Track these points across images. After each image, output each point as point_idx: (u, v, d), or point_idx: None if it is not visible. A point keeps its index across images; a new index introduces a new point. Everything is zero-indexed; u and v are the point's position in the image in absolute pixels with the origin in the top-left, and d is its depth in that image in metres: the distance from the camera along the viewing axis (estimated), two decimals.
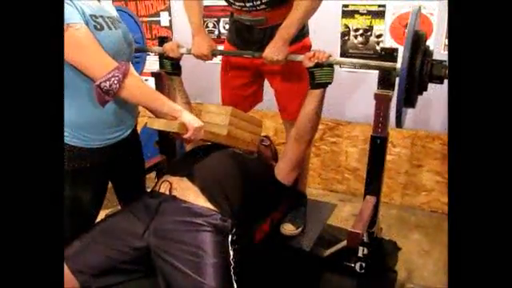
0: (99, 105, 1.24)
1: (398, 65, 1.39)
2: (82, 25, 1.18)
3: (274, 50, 1.59)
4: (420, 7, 1.47)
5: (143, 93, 1.30)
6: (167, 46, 1.75)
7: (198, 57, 1.78)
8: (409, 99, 1.43)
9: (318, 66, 1.52)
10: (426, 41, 1.44)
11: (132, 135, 1.51)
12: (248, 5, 1.63)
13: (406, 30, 1.36)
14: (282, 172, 1.67)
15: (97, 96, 1.21)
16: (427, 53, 1.42)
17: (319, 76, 1.54)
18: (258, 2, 1.61)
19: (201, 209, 1.37)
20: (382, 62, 1.49)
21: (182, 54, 1.77)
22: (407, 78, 1.34)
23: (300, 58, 1.57)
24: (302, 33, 1.74)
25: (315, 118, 1.61)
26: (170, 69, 1.77)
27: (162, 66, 1.82)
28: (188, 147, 1.79)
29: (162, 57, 1.78)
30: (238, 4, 1.66)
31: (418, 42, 1.38)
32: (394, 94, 1.45)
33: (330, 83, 1.57)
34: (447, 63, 1.40)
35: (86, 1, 1.25)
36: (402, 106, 1.40)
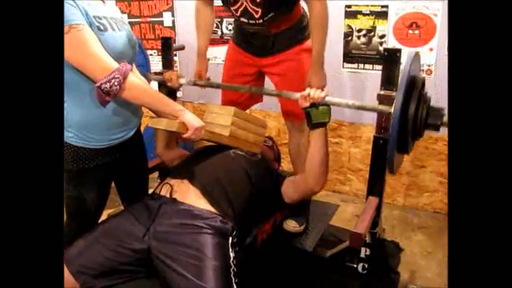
0: (100, 105, 1.24)
1: (393, 109, 1.35)
2: (84, 26, 1.18)
3: (317, 78, 1.61)
4: (417, 53, 1.45)
5: (144, 93, 1.31)
6: (167, 74, 1.75)
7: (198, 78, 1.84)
8: (402, 145, 1.39)
9: (313, 105, 1.49)
10: (423, 86, 1.41)
11: (136, 136, 1.52)
12: (251, 22, 1.67)
13: (401, 75, 1.33)
14: (291, 198, 1.65)
15: (98, 97, 1.22)
16: (423, 99, 1.39)
17: (315, 116, 1.50)
18: (261, 21, 1.65)
19: (201, 211, 1.37)
20: (378, 105, 1.49)
21: (181, 85, 1.77)
22: (399, 124, 1.31)
23: (296, 96, 1.55)
24: (304, 36, 1.75)
25: (325, 159, 1.56)
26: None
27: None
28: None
29: (160, 84, 1.79)
30: (242, 19, 1.70)
31: (412, 88, 1.35)
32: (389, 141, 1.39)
33: (327, 122, 1.53)
34: (446, 111, 1.35)
35: (89, 1, 1.26)
36: (393, 152, 1.37)
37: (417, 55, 1.44)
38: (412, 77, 1.36)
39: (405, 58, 1.36)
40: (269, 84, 1.98)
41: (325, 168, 1.57)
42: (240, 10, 1.65)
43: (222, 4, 1.72)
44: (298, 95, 1.54)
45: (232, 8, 1.68)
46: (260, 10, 1.61)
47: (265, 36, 1.76)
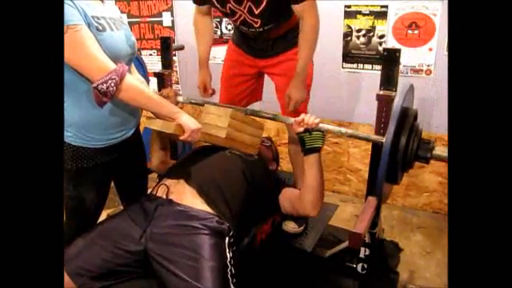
0: (97, 105, 1.24)
1: (385, 139, 1.38)
2: (81, 26, 1.18)
3: (298, 92, 1.68)
4: (412, 86, 1.46)
5: (141, 95, 1.30)
6: (165, 92, 1.76)
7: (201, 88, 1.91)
8: (391, 176, 1.41)
9: (307, 130, 1.50)
10: (415, 118, 1.43)
11: (134, 135, 1.51)
12: (251, 30, 1.69)
13: (394, 107, 1.35)
14: (286, 212, 1.65)
15: (95, 97, 1.22)
16: (414, 131, 1.40)
17: (309, 141, 1.51)
18: (261, 30, 1.67)
19: (197, 212, 1.36)
20: (371, 135, 1.51)
21: (178, 103, 1.78)
22: (390, 155, 1.33)
23: (290, 120, 1.57)
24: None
25: (321, 185, 1.55)
26: None
27: None
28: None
29: None
30: (241, 28, 1.72)
31: (404, 120, 1.37)
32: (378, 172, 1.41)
33: (320, 148, 1.53)
34: (433, 144, 1.41)
35: (88, 2, 1.26)
36: (382, 183, 1.39)
37: (411, 87, 1.47)
38: (405, 109, 1.39)
39: (401, 87, 1.40)
40: (266, 90, 1.98)
41: (321, 194, 1.57)
42: (239, 20, 1.66)
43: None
44: (292, 120, 1.56)
45: (231, 19, 1.69)
46: (259, 21, 1.63)
47: (265, 40, 1.78)
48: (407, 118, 1.39)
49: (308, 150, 1.53)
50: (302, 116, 1.51)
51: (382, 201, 1.48)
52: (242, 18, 1.65)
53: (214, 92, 1.96)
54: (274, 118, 1.72)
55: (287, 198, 1.63)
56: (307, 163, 1.54)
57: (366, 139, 1.54)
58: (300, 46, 1.66)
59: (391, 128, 1.33)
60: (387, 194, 1.57)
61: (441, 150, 1.39)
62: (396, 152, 1.36)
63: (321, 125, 1.51)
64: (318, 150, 1.52)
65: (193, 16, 1.86)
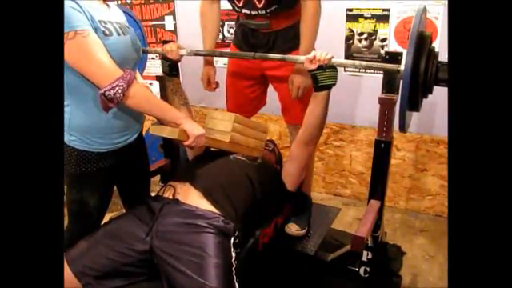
0: (103, 110, 1.25)
1: (402, 67, 1.35)
2: (89, 32, 1.19)
3: (301, 78, 1.67)
4: (425, 7, 1.42)
5: (147, 101, 1.32)
6: (167, 46, 1.74)
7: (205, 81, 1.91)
8: (413, 102, 1.38)
9: (320, 68, 1.47)
10: (431, 42, 1.40)
11: (138, 139, 1.52)
12: (253, 13, 1.68)
13: (410, 31, 1.31)
14: (292, 177, 1.67)
15: (101, 103, 1.23)
16: (432, 54, 1.37)
17: (322, 79, 1.49)
18: (264, 12, 1.66)
19: (203, 211, 1.38)
20: (386, 64, 1.45)
21: (182, 56, 1.75)
22: (411, 80, 1.29)
23: (301, 59, 1.52)
24: None
25: (322, 121, 1.59)
26: (168, 70, 1.77)
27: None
28: (190, 155, 1.80)
29: (162, 57, 1.77)
30: (244, 11, 1.71)
31: (422, 43, 1.33)
32: (399, 98, 1.38)
33: (333, 85, 1.51)
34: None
35: (95, 6, 1.27)
36: (405, 109, 1.35)
37: (425, 10, 1.41)
38: (421, 33, 1.33)
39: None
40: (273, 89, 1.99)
41: (322, 129, 1.63)
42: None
43: None
44: (303, 58, 1.51)
45: None
46: None
47: (265, 34, 1.77)
48: (424, 41, 1.34)
49: (320, 88, 1.51)
50: (314, 53, 1.47)
51: (405, 130, 1.43)
52: None
53: (217, 85, 1.95)
54: (284, 59, 1.64)
55: (287, 164, 1.70)
56: (316, 100, 1.54)
57: (381, 69, 1.47)
58: (302, 31, 1.67)
59: (410, 51, 1.27)
60: (408, 123, 1.51)
61: None
62: (417, 76, 1.31)
63: (333, 60, 1.47)
64: (329, 87, 1.51)
65: (199, 4, 1.83)
